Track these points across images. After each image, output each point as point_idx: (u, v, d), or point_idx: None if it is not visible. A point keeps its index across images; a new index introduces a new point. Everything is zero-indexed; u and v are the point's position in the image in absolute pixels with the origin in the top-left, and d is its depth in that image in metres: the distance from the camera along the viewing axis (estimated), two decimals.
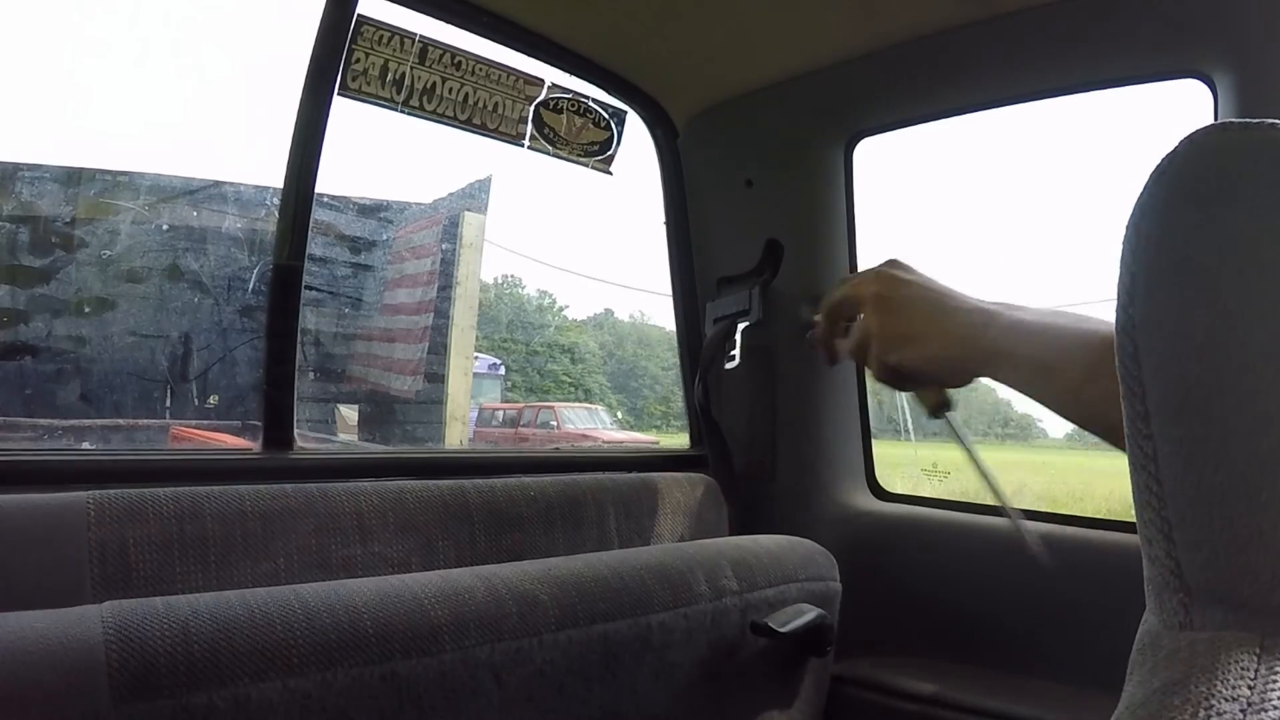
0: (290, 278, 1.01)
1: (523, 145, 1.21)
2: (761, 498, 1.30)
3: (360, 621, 0.68)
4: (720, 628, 0.92)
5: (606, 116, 1.28)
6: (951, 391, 0.70)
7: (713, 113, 1.31)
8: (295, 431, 1.01)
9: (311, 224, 1.02)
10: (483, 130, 1.17)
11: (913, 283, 0.68)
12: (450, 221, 4.08)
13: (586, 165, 1.28)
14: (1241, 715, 0.30)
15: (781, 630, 0.95)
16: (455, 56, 1.13)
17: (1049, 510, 1.19)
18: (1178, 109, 0.98)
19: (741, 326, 1.28)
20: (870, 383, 1.31)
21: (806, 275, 1.26)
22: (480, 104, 1.16)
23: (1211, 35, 0.88)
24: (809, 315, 0.79)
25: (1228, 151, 0.36)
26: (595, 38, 1.20)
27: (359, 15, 1.04)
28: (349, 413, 3.90)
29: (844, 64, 1.15)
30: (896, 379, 0.70)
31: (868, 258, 1.32)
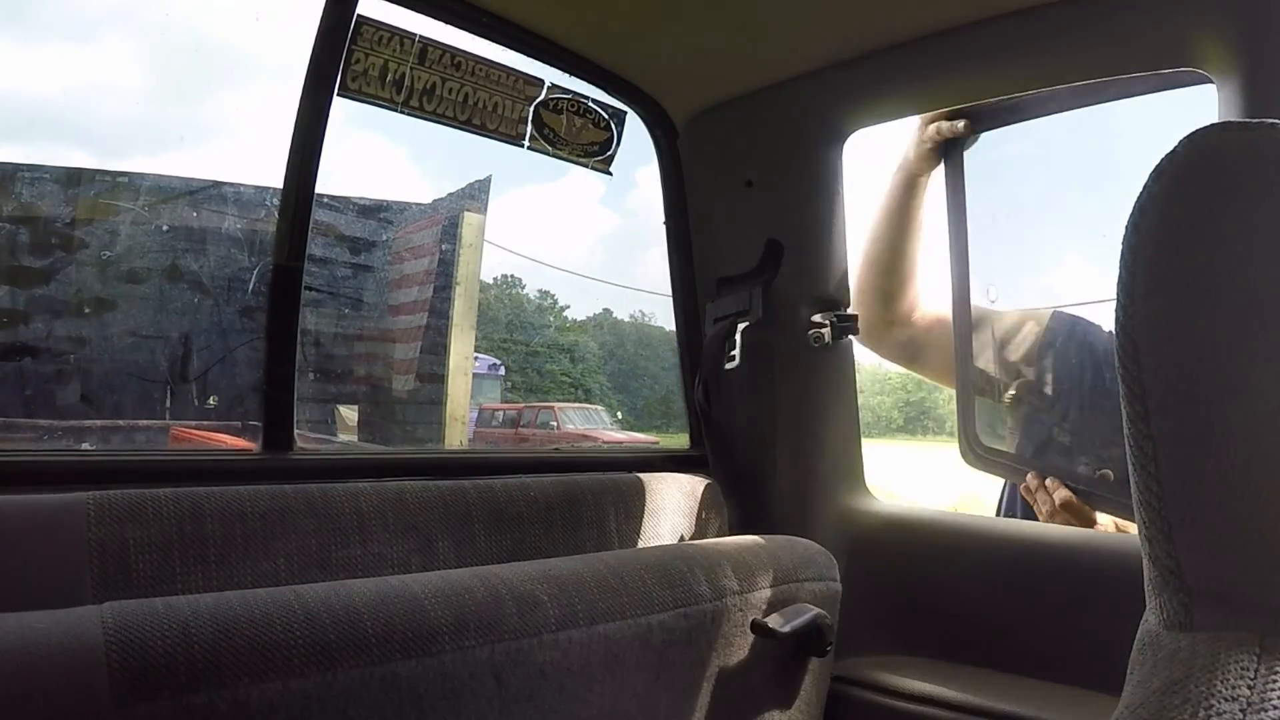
0: (290, 278, 1.01)
1: (523, 145, 1.21)
2: (761, 498, 1.29)
3: (360, 622, 0.68)
4: (720, 628, 0.92)
5: (606, 117, 1.28)
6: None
7: (713, 113, 1.31)
8: (295, 432, 1.01)
9: (311, 225, 1.02)
10: (482, 130, 1.17)
11: None
12: (450, 222, 4.08)
13: (586, 165, 1.28)
14: (1241, 715, 0.30)
15: (781, 630, 0.95)
16: (455, 57, 1.13)
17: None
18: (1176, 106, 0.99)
19: (741, 326, 1.28)
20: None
21: (806, 275, 1.25)
22: (480, 104, 1.16)
23: (1211, 35, 0.88)
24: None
25: (1228, 151, 0.36)
26: (595, 38, 1.20)
27: (359, 16, 1.04)
28: (349, 413, 3.89)
29: (844, 64, 1.15)
30: None
31: None
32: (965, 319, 1.28)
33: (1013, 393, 1.30)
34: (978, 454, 1.28)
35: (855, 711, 1.12)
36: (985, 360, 1.31)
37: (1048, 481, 1.16)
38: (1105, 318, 1.29)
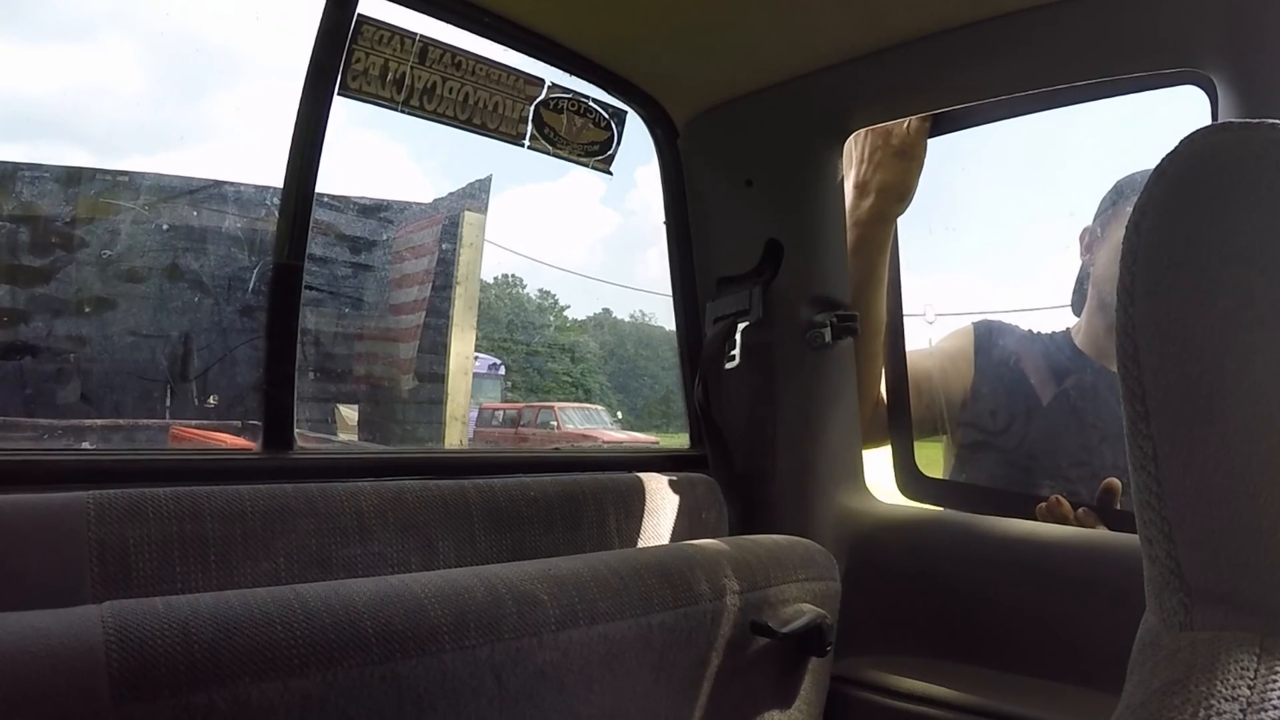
0: (290, 278, 1.01)
1: (523, 145, 1.21)
2: (761, 498, 1.30)
3: (360, 621, 0.68)
4: (720, 627, 0.92)
5: (606, 116, 1.28)
6: None
7: (713, 113, 1.31)
8: (295, 431, 1.01)
9: (311, 224, 1.03)
10: (483, 130, 1.17)
11: None
12: (450, 221, 4.09)
13: (586, 165, 1.28)
14: (1241, 715, 0.30)
15: (782, 630, 0.95)
16: (455, 56, 1.13)
17: None
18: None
19: (741, 326, 1.28)
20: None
21: (806, 275, 1.26)
22: (480, 104, 1.16)
23: (1211, 35, 0.88)
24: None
25: (1228, 151, 0.36)
26: (595, 38, 1.20)
27: (359, 15, 1.04)
28: (349, 412, 3.90)
29: (844, 64, 1.15)
30: None
31: None
32: (899, 346, 1.28)
33: (964, 421, 1.28)
34: (920, 486, 1.27)
35: (855, 711, 1.12)
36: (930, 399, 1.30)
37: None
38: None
